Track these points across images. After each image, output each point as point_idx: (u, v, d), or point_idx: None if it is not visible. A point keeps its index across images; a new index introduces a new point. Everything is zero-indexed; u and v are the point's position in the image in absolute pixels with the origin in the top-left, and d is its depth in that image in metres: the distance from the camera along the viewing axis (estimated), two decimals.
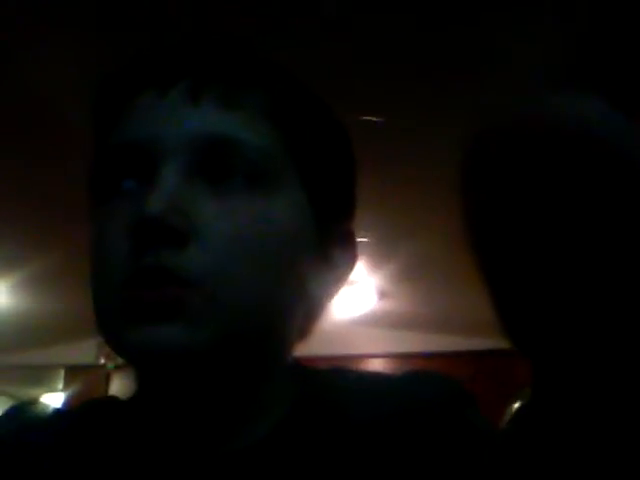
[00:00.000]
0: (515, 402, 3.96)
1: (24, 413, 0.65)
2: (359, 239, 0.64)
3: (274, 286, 0.55)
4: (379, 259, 3.54)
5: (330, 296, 0.62)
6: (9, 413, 0.65)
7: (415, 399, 0.59)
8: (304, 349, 0.64)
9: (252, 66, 0.59)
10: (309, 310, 0.61)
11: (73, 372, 5.50)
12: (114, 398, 0.66)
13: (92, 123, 0.62)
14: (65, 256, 3.70)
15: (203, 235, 0.51)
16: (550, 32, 2.10)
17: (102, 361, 4.95)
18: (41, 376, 5.63)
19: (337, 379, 0.63)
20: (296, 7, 1.97)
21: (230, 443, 0.56)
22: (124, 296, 0.51)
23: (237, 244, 0.52)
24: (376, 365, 4.87)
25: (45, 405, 0.67)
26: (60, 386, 5.50)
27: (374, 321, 4.80)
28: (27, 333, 5.05)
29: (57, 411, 0.66)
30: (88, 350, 4.97)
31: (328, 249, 0.60)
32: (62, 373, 5.61)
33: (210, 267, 0.51)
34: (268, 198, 0.54)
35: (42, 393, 5.50)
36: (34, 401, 0.68)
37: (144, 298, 0.50)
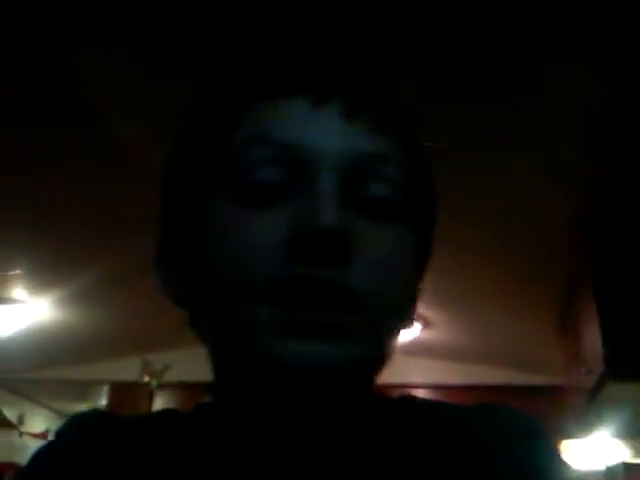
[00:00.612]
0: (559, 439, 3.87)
1: (88, 421, 0.64)
2: None
3: (401, 312, 0.57)
4: (423, 288, 3.52)
5: (410, 326, 0.64)
6: (74, 421, 0.64)
7: (481, 431, 0.57)
8: None
9: (391, 94, 0.61)
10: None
11: (117, 389, 5.55)
12: (174, 410, 0.65)
13: (203, 114, 0.61)
14: (111, 272, 3.75)
15: (363, 255, 0.51)
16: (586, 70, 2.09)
17: (146, 379, 5.00)
18: (85, 392, 5.69)
19: (410, 405, 0.62)
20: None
21: (302, 464, 0.54)
22: (282, 306, 0.49)
23: (387, 269, 0.52)
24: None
25: (105, 413, 0.66)
26: (104, 402, 5.56)
27: (417, 350, 4.76)
28: (72, 349, 5.11)
29: (121, 419, 0.65)
30: (132, 367, 5.02)
31: (418, 286, 0.63)
32: (106, 389, 5.66)
33: (371, 287, 0.51)
34: (402, 229, 0.55)
35: (85, 409, 5.55)
36: (97, 409, 0.67)
37: (308, 314, 0.49)
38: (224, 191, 0.54)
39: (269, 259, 0.50)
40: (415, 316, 0.62)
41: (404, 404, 0.62)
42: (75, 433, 0.63)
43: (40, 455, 0.62)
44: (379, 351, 0.54)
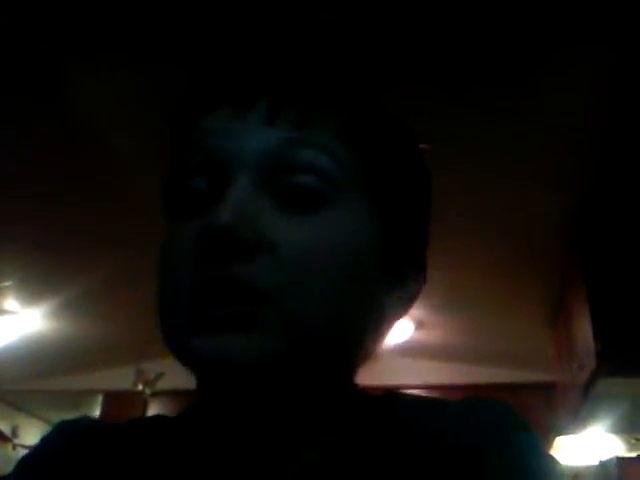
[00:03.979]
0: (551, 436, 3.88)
1: (73, 427, 0.65)
2: None
3: (343, 300, 0.55)
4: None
5: (398, 316, 0.62)
6: (59, 428, 0.65)
7: (467, 424, 0.57)
8: None
9: (326, 86, 0.61)
10: (377, 329, 0.60)
11: (111, 398, 5.54)
12: (161, 416, 0.66)
13: (170, 136, 0.64)
14: (103, 281, 3.74)
15: (272, 248, 0.52)
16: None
17: (140, 387, 4.98)
18: (79, 401, 5.67)
19: (394, 404, 0.62)
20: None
21: (279, 465, 0.55)
22: (192, 307, 0.51)
23: (305, 258, 0.52)
24: None
25: (93, 419, 0.68)
26: (98, 412, 5.53)
27: (410, 351, 4.77)
28: (64, 359, 5.10)
29: (106, 425, 0.66)
30: (126, 376, 5.00)
31: (398, 268, 0.61)
32: (100, 399, 5.64)
33: (280, 279, 0.51)
34: (334, 215, 0.55)
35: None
36: (85, 416, 0.68)
37: (214, 310, 0.50)
38: (174, 207, 0.58)
39: (184, 266, 0.52)
40: (384, 300, 0.60)
41: (387, 402, 0.62)
42: (59, 439, 0.63)
43: (23, 461, 0.63)
44: (305, 340, 0.52)
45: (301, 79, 0.61)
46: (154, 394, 5.02)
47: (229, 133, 0.56)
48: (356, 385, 0.62)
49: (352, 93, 0.62)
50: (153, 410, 5.03)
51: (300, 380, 0.54)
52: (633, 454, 3.84)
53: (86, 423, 0.66)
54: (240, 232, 0.51)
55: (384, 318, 0.60)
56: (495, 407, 0.60)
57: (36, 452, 0.63)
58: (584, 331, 2.89)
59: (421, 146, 0.65)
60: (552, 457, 0.57)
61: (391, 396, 0.63)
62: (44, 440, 0.64)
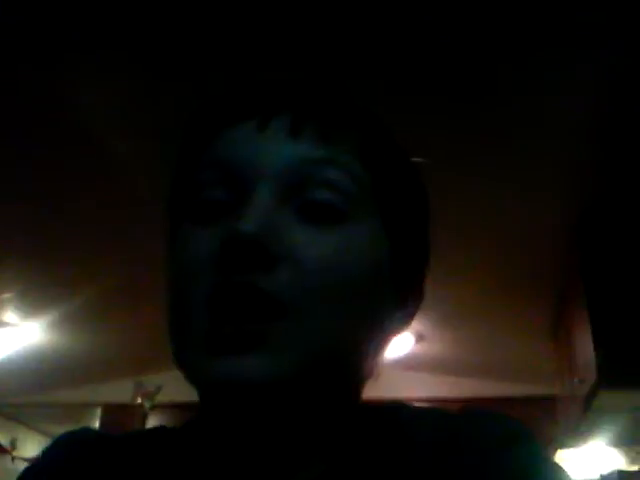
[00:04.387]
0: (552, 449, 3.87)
1: (75, 439, 0.65)
2: None
3: (354, 317, 0.55)
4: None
5: (400, 331, 0.63)
6: (61, 439, 0.65)
7: (471, 434, 0.57)
8: None
9: (345, 105, 0.62)
10: (380, 345, 0.61)
11: (110, 411, 5.51)
12: (162, 427, 0.66)
13: (182, 146, 0.64)
14: (103, 294, 3.74)
15: (293, 261, 0.52)
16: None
17: (139, 401, 4.97)
18: (78, 414, 5.64)
19: (398, 414, 0.62)
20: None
21: (285, 479, 0.55)
22: (208, 321, 0.51)
23: (323, 272, 0.52)
24: None
25: (95, 431, 0.67)
26: (97, 425, 5.51)
27: (410, 364, 4.76)
28: (64, 371, 5.08)
29: (108, 437, 0.65)
30: (125, 389, 4.99)
31: (403, 286, 0.62)
32: (99, 412, 5.63)
33: (298, 292, 0.51)
34: (349, 231, 0.55)
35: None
36: (86, 428, 0.67)
37: (231, 326, 0.50)
38: (188, 216, 0.58)
39: (202, 274, 0.52)
40: (389, 315, 0.60)
41: (390, 413, 0.62)
42: (60, 451, 0.63)
43: (25, 474, 0.62)
44: (317, 356, 0.52)
45: (321, 94, 0.62)
46: (153, 407, 5.00)
47: (251, 145, 0.57)
48: (360, 398, 0.62)
49: (365, 111, 0.63)
50: (152, 423, 5.00)
51: (310, 397, 0.54)
52: (635, 467, 3.82)
53: (88, 435, 0.66)
54: (265, 242, 0.51)
55: (386, 334, 0.61)
56: (498, 417, 0.60)
57: (38, 464, 0.63)
58: (584, 344, 2.89)
59: (423, 161, 0.66)
60: (558, 465, 0.56)
61: (395, 407, 0.63)
62: (46, 452, 0.64)
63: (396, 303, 0.61)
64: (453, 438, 0.57)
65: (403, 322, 0.63)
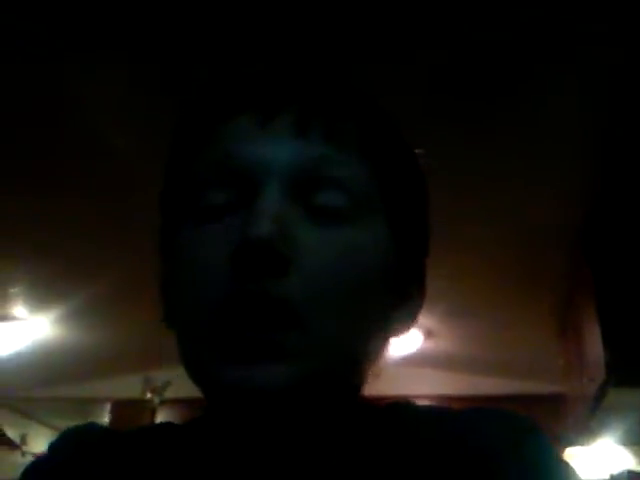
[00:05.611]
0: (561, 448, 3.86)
1: (81, 434, 0.64)
2: None
3: (364, 319, 0.55)
4: (425, 299, 3.52)
5: (403, 331, 0.62)
6: (67, 434, 0.65)
7: (477, 432, 0.57)
8: None
9: (349, 98, 0.61)
10: (384, 344, 0.60)
11: (119, 406, 5.54)
12: (170, 423, 0.66)
13: (176, 139, 0.63)
14: (112, 289, 3.74)
15: (303, 264, 0.51)
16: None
17: (148, 396, 4.98)
18: (87, 409, 5.67)
19: (401, 413, 0.62)
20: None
21: (289, 476, 0.55)
22: (224, 329, 0.50)
23: (332, 274, 0.52)
24: None
25: (101, 426, 0.67)
26: (106, 420, 5.53)
27: (420, 361, 4.75)
28: (73, 366, 5.10)
29: (114, 432, 0.65)
30: (134, 384, 5.00)
31: (405, 284, 0.61)
32: (108, 407, 5.64)
33: (311, 297, 0.51)
34: (357, 230, 0.55)
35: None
36: (92, 422, 0.67)
37: (247, 334, 0.49)
38: (189, 217, 0.56)
39: (215, 278, 0.51)
40: (400, 311, 0.60)
41: (396, 411, 0.62)
42: (68, 446, 0.63)
43: (32, 469, 0.62)
44: (332, 359, 0.52)
45: (326, 88, 0.61)
46: (162, 402, 5.01)
47: (255, 142, 0.55)
48: (363, 397, 0.61)
49: (366, 104, 0.62)
50: (161, 418, 5.02)
51: (320, 401, 0.54)
52: None
53: (94, 429, 0.65)
54: (278, 246, 0.50)
55: (391, 334, 0.61)
56: (505, 414, 0.59)
57: (44, 459, 0.63)
58: (594, 342, 2.88)
59: (427, 163, 0.65)
60: (567, 463, 0.56)
61: (397, 405, 0.63)
62: (52, 447, 0.63)
63: (400, 303, 0.60)
64: (460, 435, 0.57)
65: (408, 321, 0.62)
